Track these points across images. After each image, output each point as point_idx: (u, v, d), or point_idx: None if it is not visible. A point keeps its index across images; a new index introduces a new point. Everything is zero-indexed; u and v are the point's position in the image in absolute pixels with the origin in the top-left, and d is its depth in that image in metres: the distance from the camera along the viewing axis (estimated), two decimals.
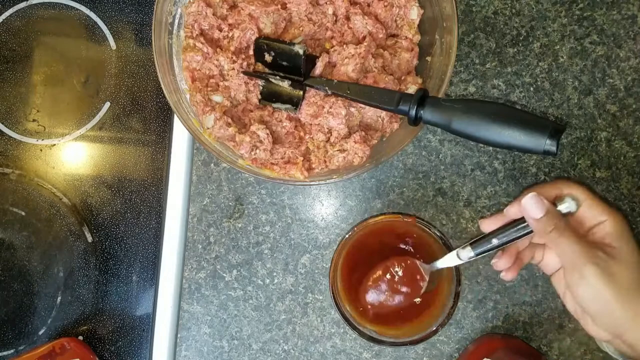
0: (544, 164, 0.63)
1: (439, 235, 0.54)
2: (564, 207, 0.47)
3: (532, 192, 0.46)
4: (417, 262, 0.54)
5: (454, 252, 0.51)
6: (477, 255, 0.50)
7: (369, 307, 0.55)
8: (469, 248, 0.50)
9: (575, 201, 0.46)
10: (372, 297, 0.55)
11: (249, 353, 0.63)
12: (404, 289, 0.54)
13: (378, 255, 0.56)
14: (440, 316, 0.53)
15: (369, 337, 0.54)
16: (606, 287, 0.42)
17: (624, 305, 0.43)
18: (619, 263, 0.43)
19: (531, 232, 0.47)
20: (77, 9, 0.68)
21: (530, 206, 0.45)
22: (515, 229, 0.48)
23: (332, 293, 0.54)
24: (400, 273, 0.54)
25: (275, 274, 0.63)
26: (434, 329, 0.53)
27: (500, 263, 0.50)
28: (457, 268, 0.53)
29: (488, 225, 0.50)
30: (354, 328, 0.54)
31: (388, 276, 0.54)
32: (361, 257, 0.56)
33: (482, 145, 0.62)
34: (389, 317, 0.55)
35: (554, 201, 0.47)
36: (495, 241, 0.48)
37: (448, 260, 0.52)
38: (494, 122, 0.44)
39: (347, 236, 0.54)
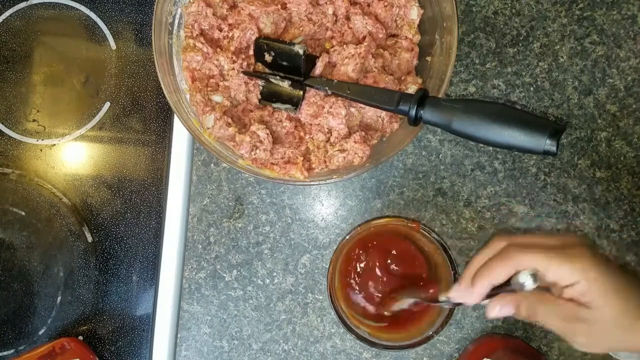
0: (544, 164, 0.63)
1: (441, 243, 0.53)
2: (523, 286, 0.41)
3: (481, 279, 0.43)
4: (422, 294, 0.53)
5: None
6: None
7: (367, 311, 0.55)
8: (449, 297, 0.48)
9: (533, 276, 0.41)
10: (371, 306, 0.55)
11: (249, 353, 0.63)
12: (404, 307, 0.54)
13: (379, 258, 0.56)
14: (437, 321, 0.53)
15: (362, 339, 0.54)
16: (602, 338, 0.41)
17: (623, 333, 0.41)
18: (601, 311, 0.41)
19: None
20: (77, 9, 0.68)
21: (498, 313, 0.43)
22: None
23: (330, 294, 0.54)
24: (411, 307, 0.54)
25: (275, 274, 0.63)
26: (430, 334, 0.53)
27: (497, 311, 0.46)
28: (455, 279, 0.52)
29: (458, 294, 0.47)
30: (349, 329, 0.54)
31: (401, 306, 0.54)
32: (361, 260, 0.56)
33: (482, 145, 0.62)
34: (385, 321, 0.56)
35: (509, 280, 0.43)
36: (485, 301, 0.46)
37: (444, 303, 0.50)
38: (494, 122, 0.44)
39: (347, 237, 0.54)
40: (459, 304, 0.46)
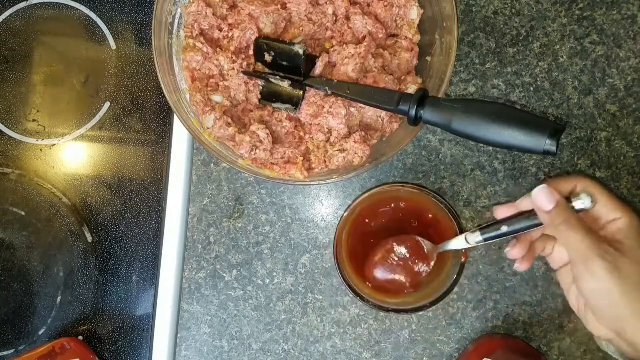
0: (544, 164, 0.63)
1: (448, 207, 0.54)
2: (579, 203, 0.46)
3: (544, 184, 0.46)
4: (424, 242, 0.54)
5: (463, 235, 0.51)
6: (486, 240, 0.50)
7: (374, 281, 0.55)
8: (478, 233, 0.50)
9: (591, 197, 0.46)
10: (378, 274, 0.55)
11: (249, 353, 0.63)
12: (409, 268, 0.54)
13: (383, 229, 0.56)
14: (444, 287, 0.54)
15: (374, 305, 0.54)
16: (613, 282, 0.42)
17: (630, 301, 0.42)
18: (628, 260, 0.43)
19: (541, 224, 0.47)
20: (77, 9, 0.68)
21: (541, 198, 0.45)
22: (526, 218, 0.48)
23: (337, 262, 0.55)
24: (406, 253, 0.54)
25: (275, 274, 0.63)
26: (441, 294, 0.53)
27: (515, 252, 0.50)
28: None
29: (502, 212, 0.50)
30: (361, 298, 0.54)
31: (394, 256, 0.54)
32: (366, 230, 0.56)
33: (482, 145, 0.62)
34: (392, 289, 0.56)
35: (569, 196, 0.47)
36: (504, 228, 0.48)
37: (456, 244, 0.52)
38: (494, 122, 0.44)
39: (349, 209, 0.55)
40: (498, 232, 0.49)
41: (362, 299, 0.55)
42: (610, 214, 0.46)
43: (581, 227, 0.44)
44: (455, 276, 0.54)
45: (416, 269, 0.54)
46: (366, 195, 0.55)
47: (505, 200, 0.63)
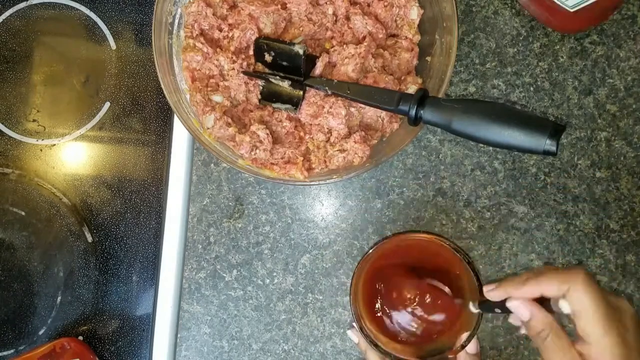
0: (544, 164, 0.63)
1: (464, 255, 0.51)
2: (556, 307, 0.42)
3: (530, 281, 0.43)
4: (448, 296, 0.52)
5: (470, 303, 0.50)
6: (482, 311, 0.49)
7: (391, 329, 0.53)
8: (476, 305, 0.49)
9: (568, 309, 0.42)
10: (399, 321, 0.53)
11: (249, 353, 0.63)
12: (431, 318, 0.52)
13: (402, 275, 0.54)
14: (461, 336, 0.51)
15: (393, 357, 0.52)
16: None
17: None
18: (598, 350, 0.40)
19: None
20: (77, 9, 0.68)
21: (516, 310, 0.43)
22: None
23: (355, 313, 0.52)
24: (429, 302, 0.52)
25: (275, 274, 0.63)
26: (462, 344, 0.51)
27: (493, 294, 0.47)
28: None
29: (494, 295, 0.47)
30: (382, 351, 0.52)
31: (418, 306, 0.53)
32: (384, 276, 0.54)
33: (482, 145, 0.62)
34: (409, 336, 0.54)
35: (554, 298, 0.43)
36: (497, 310, 0.47)
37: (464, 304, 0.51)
38: (494, 122, 0.44)
39: (366, 255, 0.52)
40: (494, 309, 0.46)
41: (386, 353, 0.52)
42: (589, 337, 0.40)
43: (555, 344, 0.42)
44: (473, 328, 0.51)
45: (437, 319, 0.52)
46: (380, 245, 0.52)
47: (505, 200, 0.63)
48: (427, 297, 0.53)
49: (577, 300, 0.40)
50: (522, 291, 0.43)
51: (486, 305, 0.48)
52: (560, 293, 0.41)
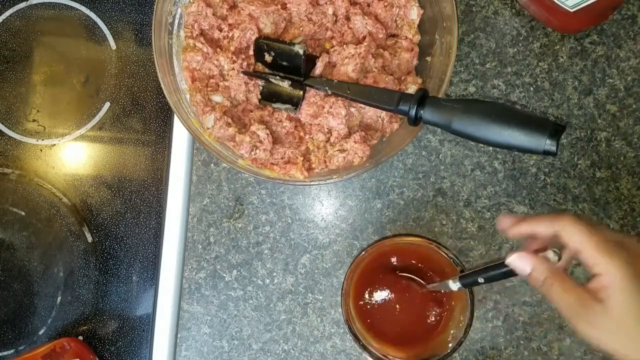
0: (544, 164, 0.63)
1: (452, 258, 0.53)
2: (546, 256, 0.43)
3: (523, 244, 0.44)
4: (423, 285, 0.55)
5: (448, 280, 0.51)
6: (465, 286, 0.50)
7: (379, 326, 0.55)
8: (458, 281, 0.50)
9: (558, 254, 0.43)
10: (386, 319, 0.55)
11: (249, 353, 0.63)
12: (412, 311, 0.55)
13: (388, 275, 0.56)
14: (454, 338, 0.53)
15: (378, 358, 0.53)
16: (603, 339, 0.40)
17: (627, 348, 0.40)
18: (610, 317, 0.40)
19: (516, 274, 0.45)
20: (77, 9, 0.68)
21: (516, 265, 0.43)
22: (500, 269, 0.45)
23: (346, 316, 0.54)
24: (408, 296, 0.55)
25: (275, 274, 0.63)
26: (448, 351, 0.52)
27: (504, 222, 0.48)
28: (471, 296, 0.52)
29: (506, 223, 0.47)
30: (365, 349, 0.53)
31: (395, 298, 0.55)
32: (372, 279, 0.56)
33: (482, 145, 0.62)
34: (400, 338, 0.55)
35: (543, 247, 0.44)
36: (481, 280, 0.47)
37: (441, 285, 0.52)
38: (494, 122, 0.44)
39: (356, 259, 0.54)
40: (477, 280, 0.47)
41: (368, 351, 0.53)
42: (594, 268, 0.41)
43: (560, 286, 0.42)
44: (465, 328, 0.53)
45: (419, 311, 0.55)
46: (369, 250, 0.54)
47: (505, 200, 0.63)
48: (406, 292, 0.55)
49: (570, 236, 0.41)
50: (518, 227, 0.44)
51: (468, 280, 0.48)
52: (552, 230, 0.42)
